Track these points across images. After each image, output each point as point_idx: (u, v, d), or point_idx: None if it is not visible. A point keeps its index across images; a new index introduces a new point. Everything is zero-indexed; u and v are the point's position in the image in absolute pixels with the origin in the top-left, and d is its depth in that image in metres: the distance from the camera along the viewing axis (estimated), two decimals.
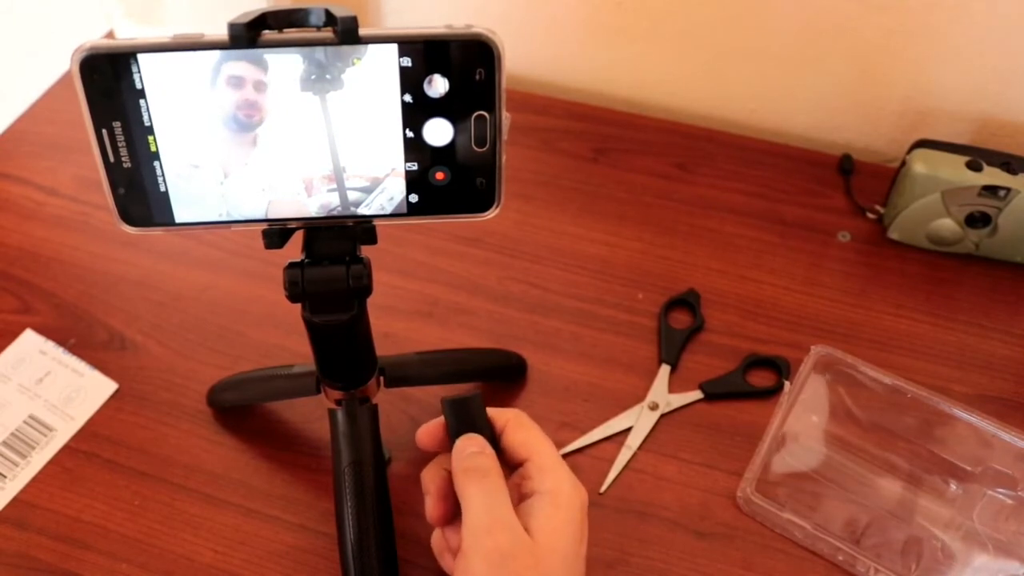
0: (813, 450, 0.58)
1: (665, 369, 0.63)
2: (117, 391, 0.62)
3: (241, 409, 0.61)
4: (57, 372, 0.63)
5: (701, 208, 0.73)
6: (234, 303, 0.66)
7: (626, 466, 0.58)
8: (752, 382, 0.62)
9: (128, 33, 0.81)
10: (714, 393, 0.61)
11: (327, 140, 0.41)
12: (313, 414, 0.60)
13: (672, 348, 0.63)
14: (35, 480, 0.58)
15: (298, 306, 0.46)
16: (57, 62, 0.85)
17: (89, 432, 0.60)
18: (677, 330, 0.65)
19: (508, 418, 0.46)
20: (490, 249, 0.70)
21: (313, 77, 0.39)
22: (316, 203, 0.42)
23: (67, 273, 0.69)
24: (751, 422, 0.60)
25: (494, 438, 0.46)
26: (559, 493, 0.44)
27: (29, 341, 0.65)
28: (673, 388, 0.62)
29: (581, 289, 0.67)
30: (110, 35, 0.84)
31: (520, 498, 0.44)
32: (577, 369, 0.63)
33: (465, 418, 0.46)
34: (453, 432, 0.46)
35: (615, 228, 0.71)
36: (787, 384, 0.60)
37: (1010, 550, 0.53)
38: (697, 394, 0.61)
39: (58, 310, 0.67)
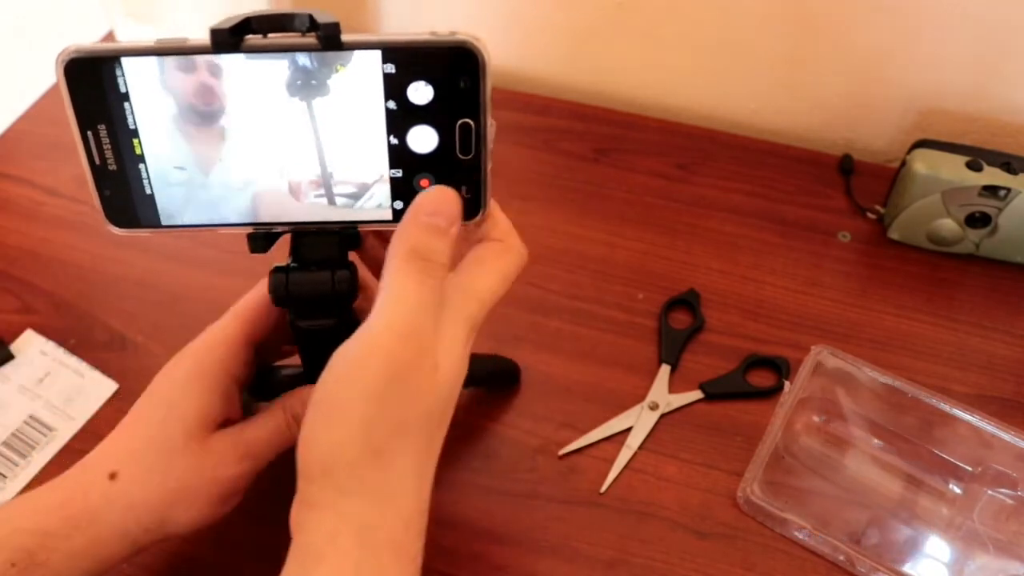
0: (813, 450, 0.58)
1: (665, 369, 0.63)
2: (117, 391, 0.62)
3: None
4: (57, 372, 0.63)
5: (701, 208, 0.73)
6: (234, 303, 0.66)
7: (626, 466, 0.58)
8: (752, 382, 0.62)
9: (129, 32, 0.81)
10: (714, 393, 0.61)
11: (313, 145, 0.41)
12: None
13: (672, 348, 0.63)
14: (36, 480, 0.58)
15: None
16: None
17: (90, 432, 0.60)
18: (677, 330, 0.65)
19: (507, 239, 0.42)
20: None
21: (299, 82, 0.39)
22: (303, 208, 0.42)
23: (67, 273, 0.69)
24: (751, 422, 0.60)
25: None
26: (469, 312, 0.40)
27: (29, 341, 0.65)
28: (673, 388, 0.62)
29: (581, 289, 0.67)
30: (110, 36, 0.84)
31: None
32: (577, 369, 0.63)
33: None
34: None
35: (615, 228, 0.71)
36: (787, 384, 0.60)
37: (1010, 550, 0.53)
38: (697, 394, 0.61)
39: (58, 310, 0.67)
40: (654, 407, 0.61)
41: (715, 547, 0.55)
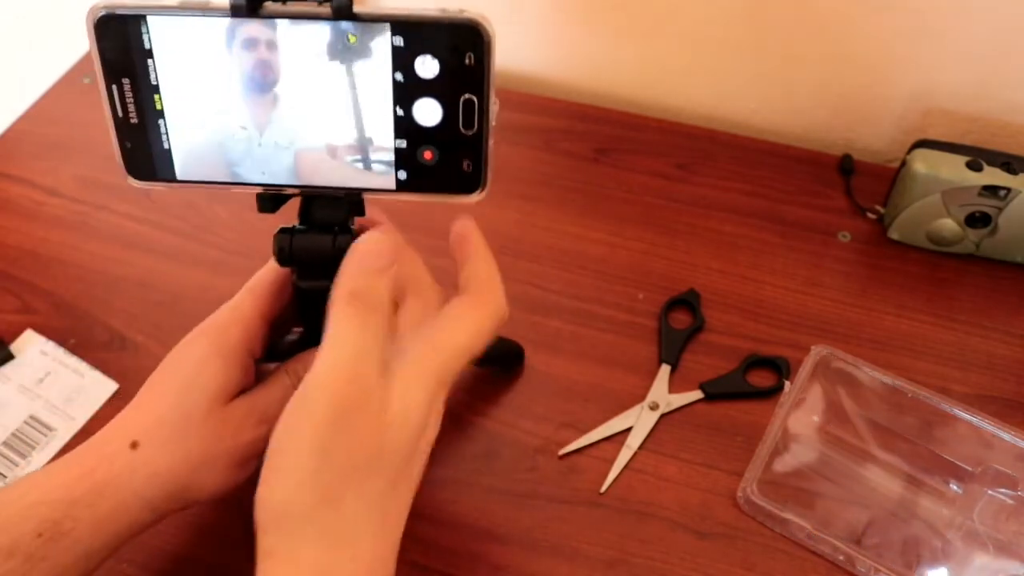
0: (813, 450, 0.58)
1: (665, 369, 0.63)
2: (118, 391, 0.62)
3: None
4: (58, 372, 0.63)
5: (701, 208, 0.73)
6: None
7: (626, 466, 0.58)
8: (752, 382, 0.62)
9: None
10: (714, 393, 0.61)
11: (326, 111, 0.42)
12: None
13: (672, 348, 0.63)
14: None
15: None
16: (58, 62, 0.85)
17: (90, 432, 0.60)
18: (677, 330, 0.65)
19: (483, 289, 0.44)
20: (490, 249, 0.70)
21: (329, 50, 0.40)
22: (312, 170, 0.43)
23: (67, 273, 0.69)
24: (751, 422, 0.60)
25: None
26: (429, 365, 0.41)
27: (29, 341, 0.65)
28: (673, 388, 0.62)
29: (581, 289, 0.67)
30: None
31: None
32: (577, 369, 0.63)
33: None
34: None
35: (616, 228, 0.71)
36: (787, 384, 0.60)
37: (1010, 550, 0.53)
38: (697, 394, 0.61)
39: (58, 310, 0.67)
40: (654, 407, 0.61)
41: (715, 547, 0.55)
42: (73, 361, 0.64)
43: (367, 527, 0.39)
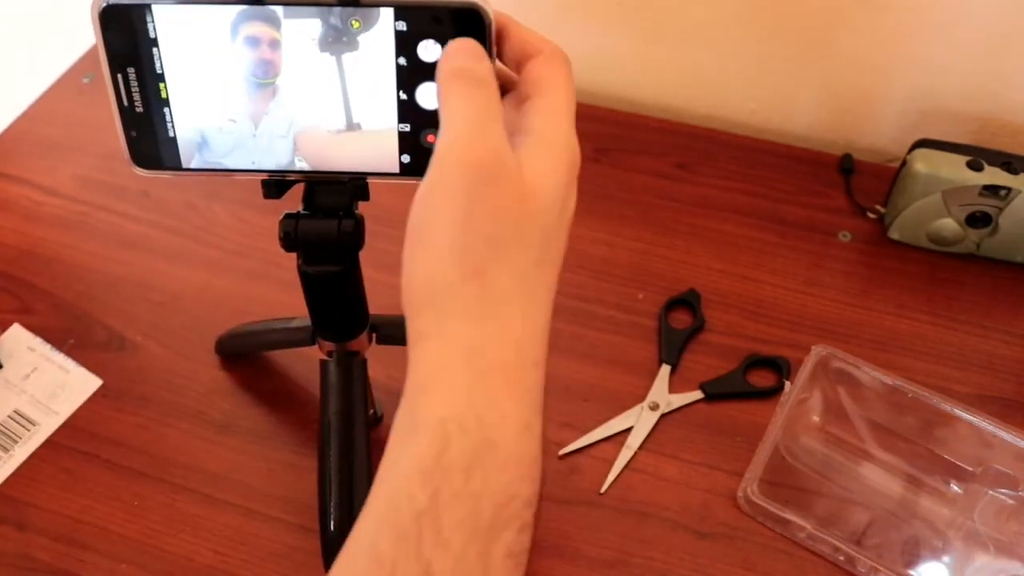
0: (813, 450, 0.58)
1: (665, 369, 0.62)
2: (101, 387, 0.62)
3: (242, 409, 0.61)
4: (43, 368, 0.63)
5: (702, 208, 0.73)
6: (234, 303, 0.66)
7: (626, 466, 0.58)
8: (752, 382, 0.62)
9: None
10: (714, 393, 0.61)
11: (334, 97, 0.42)
12: (313, 415, 0.60)
13: (672, 348, 0.63)
14: (35, 480, 0.58)
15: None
16: (57, 61, 0.85)
17: (72, 427, 0.60)
18: (677, 330, 0.65)
19: (543, 49, 0.41)
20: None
21: (330, 39, 0.41)
22: (329, 156, 0.43)
23: (66, 273, 0.69)
24: (751, 422, 0.60)
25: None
26: (552, 141, 0.39)
27: (17, 337, 0.65)
28: (673, 388, 0.62)
29: (581, 289, 0.67)
30: None
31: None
32: (577, 369, 0.63)
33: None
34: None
35: (616, 228, 0.71)
36: (787, 384, 0.60)
37: (1011, 550, 0.53)
38: (697, 394, 0.61)
39: (57, 310, 0.66)
40: (654, 407, 0.61)
41: (715, 547, 0.55)
42: (59, 358, 0.64)
43: (515, 304, 0.36)
